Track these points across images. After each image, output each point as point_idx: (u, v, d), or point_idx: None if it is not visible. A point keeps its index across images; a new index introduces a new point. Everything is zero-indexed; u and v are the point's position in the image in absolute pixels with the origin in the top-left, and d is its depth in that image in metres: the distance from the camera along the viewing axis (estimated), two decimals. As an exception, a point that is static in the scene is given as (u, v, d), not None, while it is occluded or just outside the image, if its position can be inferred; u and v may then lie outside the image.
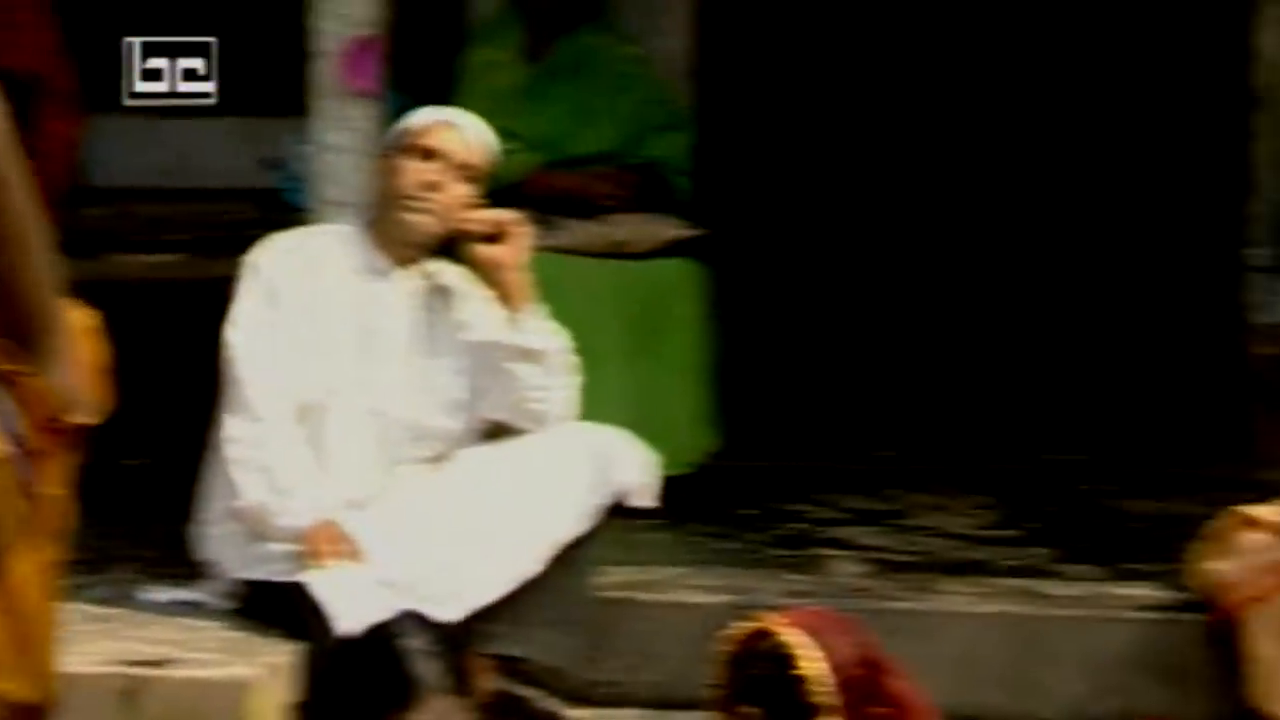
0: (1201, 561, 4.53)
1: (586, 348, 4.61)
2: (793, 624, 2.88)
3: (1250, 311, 6.06)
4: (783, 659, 2.84)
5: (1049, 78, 6.68)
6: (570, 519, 4.36)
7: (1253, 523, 4.48)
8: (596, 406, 4.61)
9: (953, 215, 6.76)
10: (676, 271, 5.55)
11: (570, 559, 4.37)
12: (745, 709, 2.86)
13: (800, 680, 2.82)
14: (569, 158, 5.61)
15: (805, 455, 6.18)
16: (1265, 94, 6.03)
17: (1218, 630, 4.44)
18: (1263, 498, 4.52)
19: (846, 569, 4.90)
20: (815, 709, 2.82)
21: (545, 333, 4.47)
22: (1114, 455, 6.16)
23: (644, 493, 4.44)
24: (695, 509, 5.26)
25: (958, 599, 4.67)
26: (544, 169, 5.56)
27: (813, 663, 2.83)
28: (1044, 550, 5.12)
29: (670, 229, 5.58)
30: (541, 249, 4.74)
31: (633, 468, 4.43)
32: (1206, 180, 6.39)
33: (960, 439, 6.33)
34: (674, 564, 4.87)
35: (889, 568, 4.92)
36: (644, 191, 5.63)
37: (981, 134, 6.73)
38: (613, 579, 4.61)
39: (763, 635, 2.88)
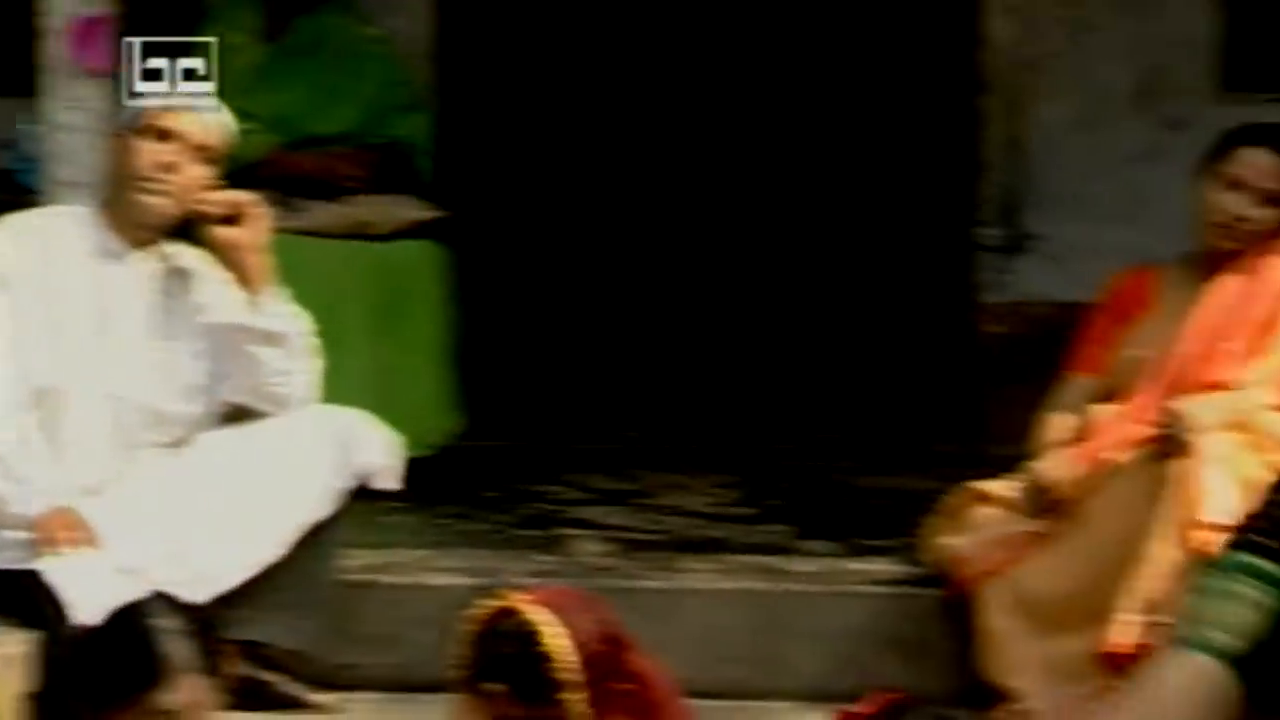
0: (936, 537, 4.62)
1: (328, 330, 4.58)
2: (536, 602, 2.89)
3: (981, 291, 6.18)
4: (526, 636, 2.85)
5: (783, 63, 6.76)
6: (312, 502, 4.33)
7: (985, 498, 4.58)
8: (338, 389, 4.59)
9: (693, 198, 6.81)
10: (418, 253, 5.52)
11: (313, 542, 4.34)
12: (489, 687, 2.87)
13: (544, 657, 2.83)
14: (308, 138, 5.56)
15: (549, 436, 6.20)
16: (994, 78, 6.15)
17: (952, 604, 4.53)
18: (994, 473, 4.62)
19: (590, 548, 4.93)
20: (559, 685, 2.83)
21: (286, 315, 4.43)
22: (850, 433, 6.25)
23: (387, 475, 4.43)
24: (439, 490, 5.25)
25: (699, 577, 4.72)
26: (283, 149, 5.51)
27: (556, 640, 2.84)
28: (783, 527, 5.18)
29: (412, 210, 5.55)
30: (281, 230, 4.70)
31: (376, 450, 4.41)
32: (938, 163, 6.51)
33: (701, 418, 6.39)
34: (418, 546, 4.86)
35: (632, 547, 4.96)
36: (385, 172, 5.60)
37: (720, 120, 6.79)
38: (356, 562, 4.59)
39: (506, 613, 2.89)
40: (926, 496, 4.71)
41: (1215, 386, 4.38)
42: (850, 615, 4.59)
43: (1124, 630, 4.16)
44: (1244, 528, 1.65)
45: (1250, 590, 1.60)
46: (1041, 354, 4.89)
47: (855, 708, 3.95)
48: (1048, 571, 4.38)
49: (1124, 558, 4.23)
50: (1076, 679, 4.29)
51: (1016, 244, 6.14)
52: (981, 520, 4.54)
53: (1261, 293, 4.42)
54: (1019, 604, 4.40)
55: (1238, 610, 1.59)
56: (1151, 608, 4.16)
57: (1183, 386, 4.41)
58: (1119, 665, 4.20)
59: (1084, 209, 6.02)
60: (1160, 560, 4.16)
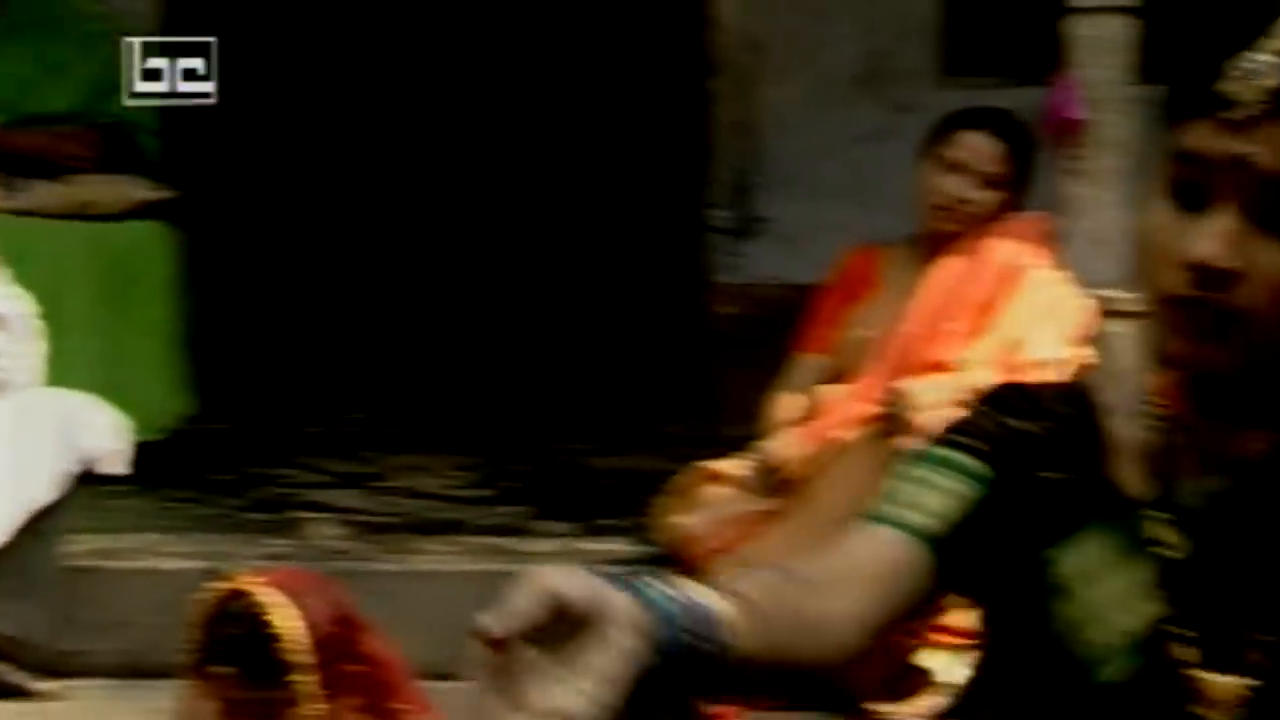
0: (667, 516, 4.66)
1: (53, 312, 4.50)
2: (268, 584, 2.87)
3: (712, 272, 6.24)
4: (256, 618, 2.82)
5: (513, 46, 6.76)
6: (37, 487, 4.26)
7: (715, 477, 4.63)
8: (64, 371, 4.51)
9: (424, 179, 6.79)
10: (145, 234, 5.45)
11: (38, 528, 4.27)
12: (218, 670, 2.84)
13: (274, 639, 2.81)
14: (29, 116, 5.45)
15: (283, 418, 6.15)
16: (722, 60, 6.21)
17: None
18: (725, 453, 4.68)
19: (324, 532, 4.90)
20: (289, 667, 2.81)
21: (8, 297, 4.35)
22: (585, 414, 6.28)
23: (115, 459, 4.36)
24: (169, 474, 5.19)
25: (434, 559, 4.71)
26: (3, 128, 5.40)
27: (287, 621, 2.82)
28: (518, 508, 5.20)
29: (139, 190, 5.47)
30: (2, 211, 4.61)
31: (103, 433, 4.35)
32: (668, 144, 6.56)
33: (437, 400, 6.38)
34: (147, 530, 4.80)
35: (367, 529, 4.94)
36: (111, 151, 5.51)
37: (453, 104, 6.78)
38: (83, 547, 4.52)
39: (236, 595, 2.86)
40: (658, 476, 4.75)
41: (938, 366, 4.46)
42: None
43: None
44: (947, 429, 1.70)
45: (947, 480, 1.65)
46: (772, 334, 4.95)
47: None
48: (777, 549, 4.44)
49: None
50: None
51: (746, 225, 6.21)
52: (712, 499, 4.59)
53: (982, 274, 4.52)
54: (749, 581, 4.46)
55: (933, 495, 1.63)
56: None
57: (907, 366, 4.49)
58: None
59: (813, 190, 6.10)
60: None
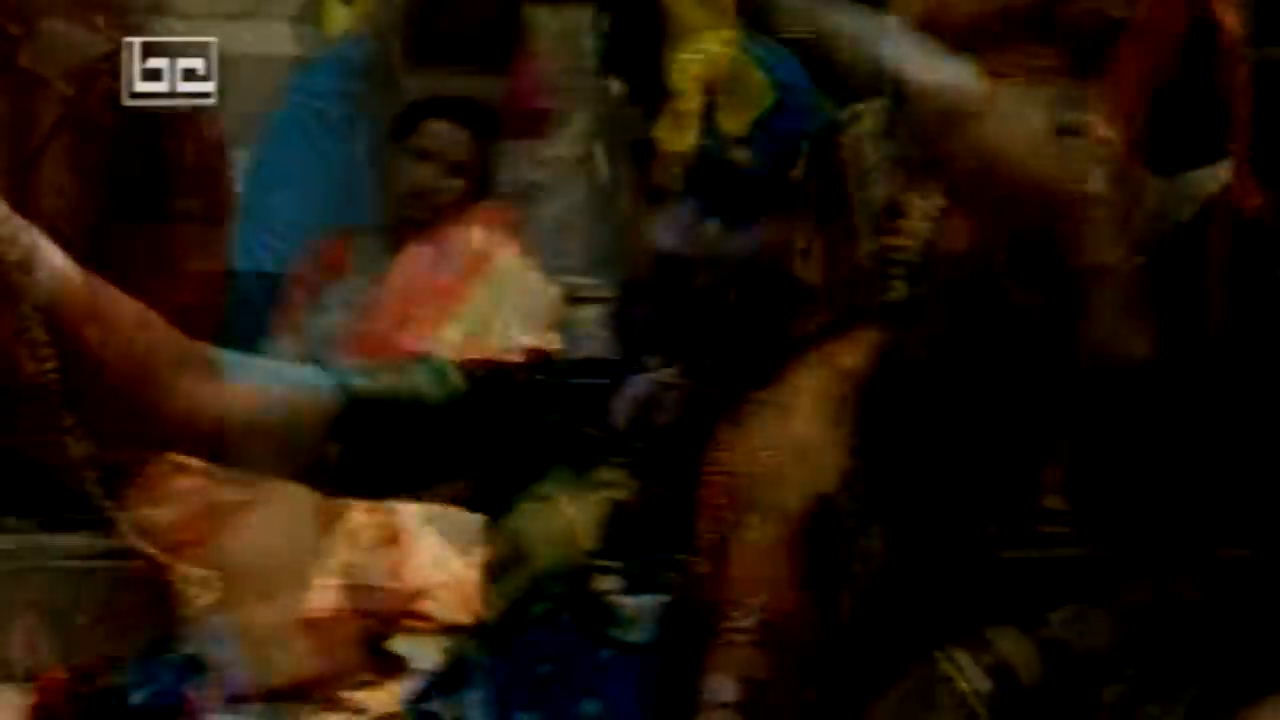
0: (136, 508, 4.58)
1: None
2: None
3: (189, 259, 6.15)
4: None
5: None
6: None
7: (184, 467, 4.57)
8: None
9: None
10: None
11: None
12: None
13: None
14: None
15: None
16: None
17: (151, 576, 4.50)
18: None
19: None
20: None
21: None
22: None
23: None
24: None
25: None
26: None
27: None
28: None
29: None
30: None
31: None
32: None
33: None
34: None
35: None
36: None
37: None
38: None
39: None
40: (124, 468, 4.65)
41: (407, 354, 4.49)
42: (48, 591, 4.51)
43: (322, 596, 4.23)
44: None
45: (424, 384, 1.70)
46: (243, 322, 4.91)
47: (52, 674, 3.90)
48: (247, 541, 4.41)
49: (322, 524, 4.30)
50: (278, 646, 4.33)
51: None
52: (181, 490, 4.53)
53: (450, 261, 4.57)
54: (219, 574, 4.41)
55: (399, 384, 1.69)
56: (349, 573, 4.25)
57: (376, 354, 4.50)
58: (319, 630, 4.27)
59: (283, 179, 6.06)
60: (359, 525, 4.25)
